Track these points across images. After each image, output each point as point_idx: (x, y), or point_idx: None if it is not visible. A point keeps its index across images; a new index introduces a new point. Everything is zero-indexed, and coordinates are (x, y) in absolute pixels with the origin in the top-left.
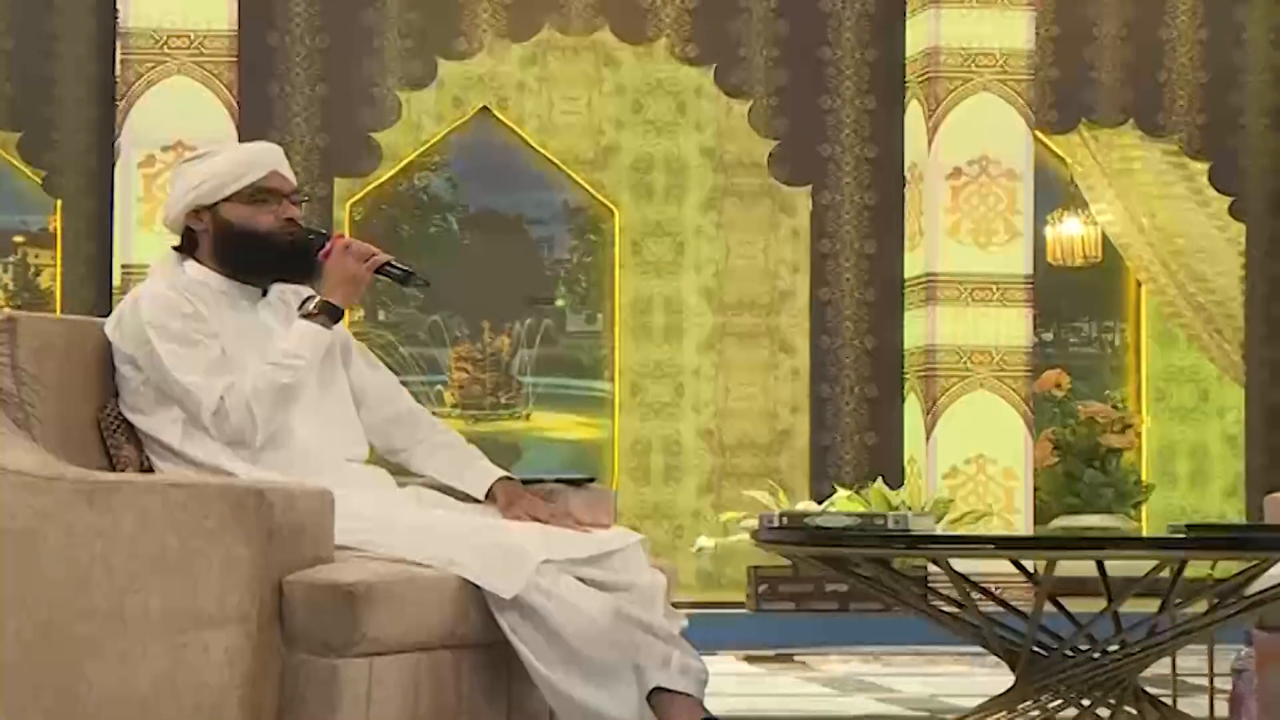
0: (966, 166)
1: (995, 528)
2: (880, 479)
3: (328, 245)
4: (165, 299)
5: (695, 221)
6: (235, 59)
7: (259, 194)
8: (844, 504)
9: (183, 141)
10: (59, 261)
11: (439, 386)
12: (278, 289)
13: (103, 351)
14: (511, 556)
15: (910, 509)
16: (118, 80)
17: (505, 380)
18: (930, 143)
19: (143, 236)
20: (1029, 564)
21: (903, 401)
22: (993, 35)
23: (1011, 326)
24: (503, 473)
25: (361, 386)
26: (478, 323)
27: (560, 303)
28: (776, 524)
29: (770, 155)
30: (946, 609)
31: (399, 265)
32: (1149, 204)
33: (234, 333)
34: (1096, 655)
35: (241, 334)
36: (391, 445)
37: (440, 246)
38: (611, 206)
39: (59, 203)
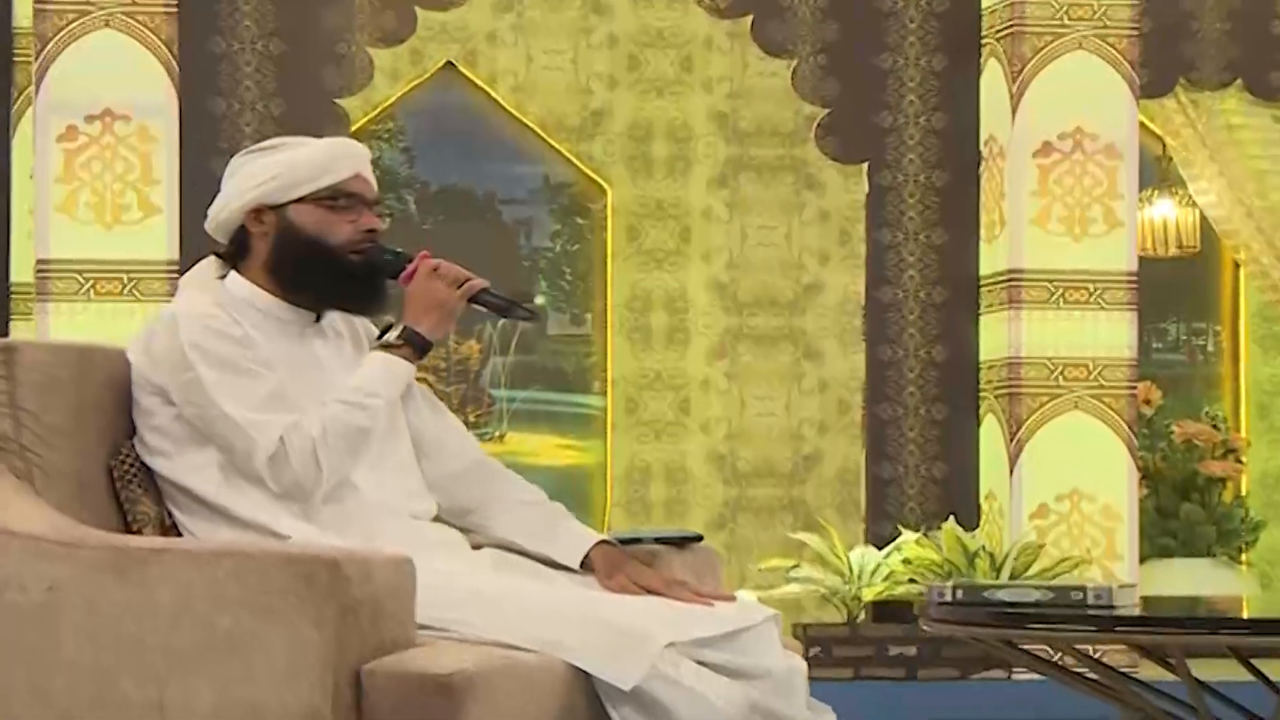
0: (1057, 141)
1: (1094, 577)
2: (952, 518)
3: (411, 266)
4: (211, 318)
5: (703, 201)
6: (173, 8)
7: (339, 198)
8: (911, 549)
9: (111, 110)
10: None
11: None
12: (331, 316)
13: (117, 384)
14: (628, 639)
15: (992, 554)
16: (17, 33)
17: (474, 394)
18: (1013, 112)
19: (64, 226)
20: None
21: (978, 425)
22: None
23: (1112, 334)
24: (599, 536)
25: (421, 432)
26: None
27: (540, 300)
28: (949, 598)
29: (818, 126)
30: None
31: (498, 293)
32: (1259, 181)
33: (286, 364)
34: None
35: (293, 366)
36: (459, 503)
37: (394, 231)
38: (602, 183)
39: None
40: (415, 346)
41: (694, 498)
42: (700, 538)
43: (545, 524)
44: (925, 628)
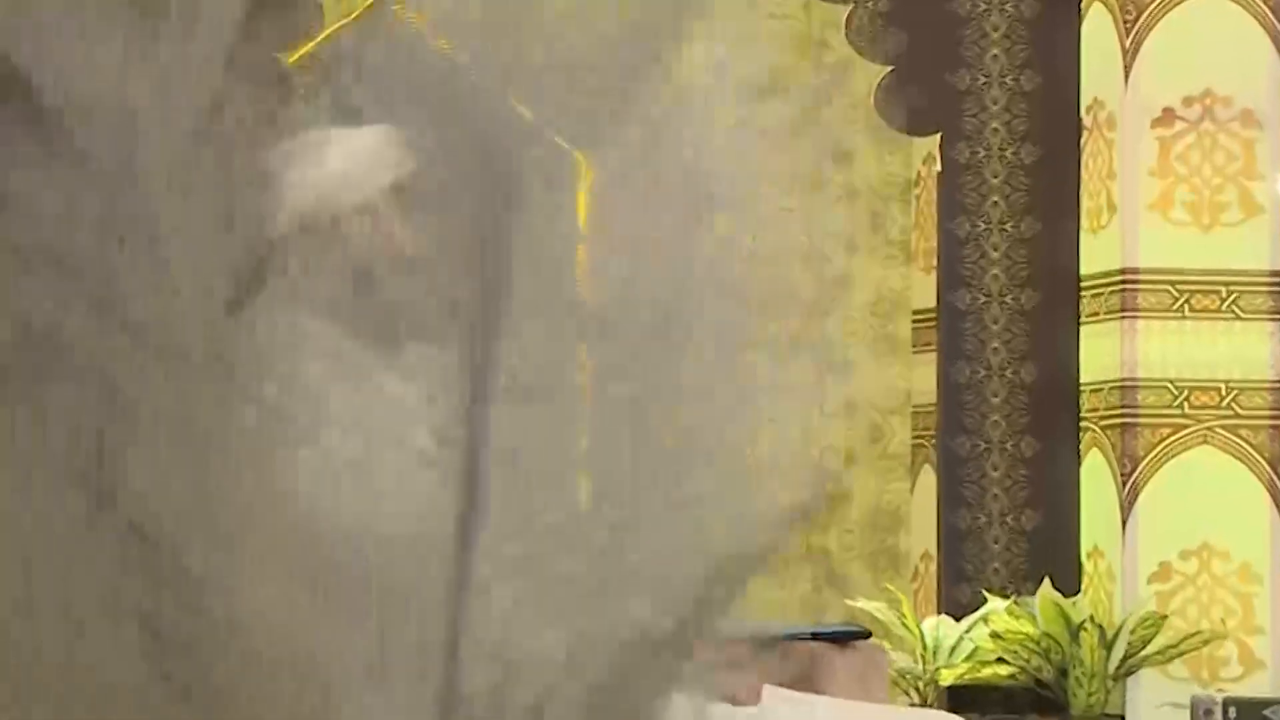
0: (1181, 107)
1: (1233, 658)
2: (1048, 581)
3: None
4: None
5: None
6: None
7: None
8: (1001, 620)
9: None
10: None
11: None
12: None
13: None
14: None
15: (1101, 627)
16: None
17: None
18: (1126, 71)
19: None
20: None
21: (1080, 463)
22: None
23: (1249, 349)
24: None
25: None
26: None
27: None
28: (1220, 717)
29: (879, 87)
30: None
31: None
32: None
33: None
34: None
35: None
36: None
37: None
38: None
39: None
40: None
41: None
42: (868, 634)
43: None
44: None
